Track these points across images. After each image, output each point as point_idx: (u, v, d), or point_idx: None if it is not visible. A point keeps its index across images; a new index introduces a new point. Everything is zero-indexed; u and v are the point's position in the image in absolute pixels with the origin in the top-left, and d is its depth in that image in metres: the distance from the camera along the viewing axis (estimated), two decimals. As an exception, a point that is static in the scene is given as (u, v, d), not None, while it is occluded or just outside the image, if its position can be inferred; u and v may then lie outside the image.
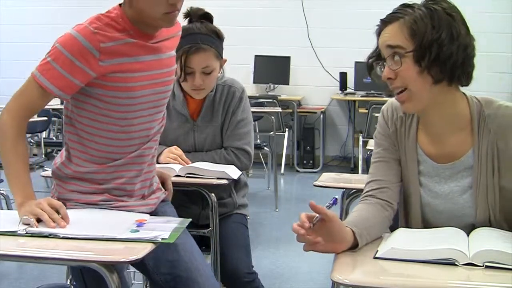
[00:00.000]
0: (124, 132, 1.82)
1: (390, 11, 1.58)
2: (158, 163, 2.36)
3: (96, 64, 1.71)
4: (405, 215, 1.71)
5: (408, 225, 1.69)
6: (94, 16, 1.76)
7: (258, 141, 6.39)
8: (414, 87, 1.53)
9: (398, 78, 1.54)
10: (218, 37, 2.36)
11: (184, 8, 2.37)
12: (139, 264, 1.79)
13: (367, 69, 1.65)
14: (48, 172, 2.01)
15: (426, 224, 1.65)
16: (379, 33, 1.58)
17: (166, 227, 1.61)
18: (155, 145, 1.95)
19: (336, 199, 1.46)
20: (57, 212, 1.62)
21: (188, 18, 2.36)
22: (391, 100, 1.72)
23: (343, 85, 6.88)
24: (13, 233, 1.55)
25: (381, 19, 1.58)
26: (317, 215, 1.42)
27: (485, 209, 1.58)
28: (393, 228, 1.63)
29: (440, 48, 1.49)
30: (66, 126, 1.86)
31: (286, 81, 7.03)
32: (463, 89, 1.62)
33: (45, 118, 5.02)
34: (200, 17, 2.35)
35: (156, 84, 1.83)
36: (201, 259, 1.87)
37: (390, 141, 1.70)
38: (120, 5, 1.79)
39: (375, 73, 1.61)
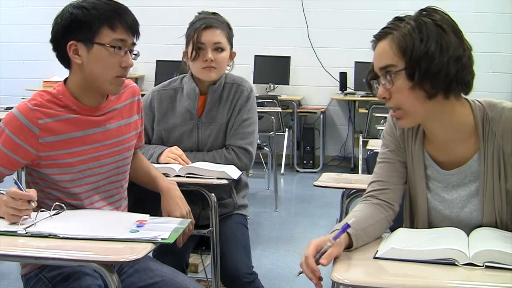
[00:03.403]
0: (81, 206, 1.85)
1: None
2: (158, 163, 2.37)
3: (36, 142, 1.75)
4: (411, 217, 1.70)
5: (413, 227, 1.67)
6: (37, 92, 1.82)
7: (258, 141, 6.37)
8: (407, 106, 1.52)
9: (392, 98, 1.53)
10: (229, 27, 2.45)
11: (202, 8, 2.48)
12: None
13: (367, 87, 1.63)
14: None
15: (432, 227, 1.63)
16: (374, 48, 1.57)
17: (166, 227, 1.61)
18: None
19: (348, 225, 1.44)
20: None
21: (200, 15, 2.45)
22: None
23: (343, 85, 6.87)
24: (13, 233, 1.55)
25: (373, 35, 1.57)
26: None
27: (491, 214, 1.56)
28: (394, 229, 1.62)
29: (430, 62, 1.46)
30: (27, 184, 1.89)
31: (286, 81, 7.02)
32: None
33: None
34: (212, 13, 2.45)
35: (103, 156, 1.87)
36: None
37: (396, 143, 1.68)
38: (65, 80, 1.84)
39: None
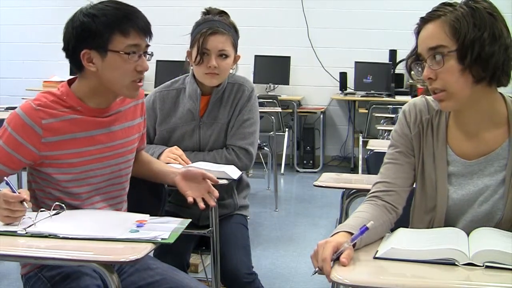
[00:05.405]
0: (82, 206, 1.85)
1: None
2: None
3: (38, 141, 1.75)
4: (424, 217, 1.66)
5: (428, 227, 1.64)
6: (41, 93, 1.81)
7: (259, 141, 6.38)
8: (454, 88, 1.51)
9: (438, 80, 1.52)
10: (235, 30, 2.44)
11: (202, 8, 2.46)
12: None
13: (406, 70, 1.63)
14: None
15: (449, 225, 1.61)
16: (418, 31, 1.56)
17: (166, 227, 1.61)
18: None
19: (366, 228, 1.44)
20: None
21: (207, 16, 2.43)
22: (414, 101, 1.69)
23: (343, 85, 6.87)
24: (13, 233, 1.55)
25: (420, 17, 1.56)
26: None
27: None
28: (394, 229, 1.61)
29: (482, 47, 1.47)
30: (28, 183, 1.89)
31: (286, 81, 7.02)
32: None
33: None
34: (219, 12, 2.44)
35: (105, 158, 1.86)
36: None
37: (408, 144, 1.67)
38: (68, 81, 1.83)
39: (414, 73, 1.60)
